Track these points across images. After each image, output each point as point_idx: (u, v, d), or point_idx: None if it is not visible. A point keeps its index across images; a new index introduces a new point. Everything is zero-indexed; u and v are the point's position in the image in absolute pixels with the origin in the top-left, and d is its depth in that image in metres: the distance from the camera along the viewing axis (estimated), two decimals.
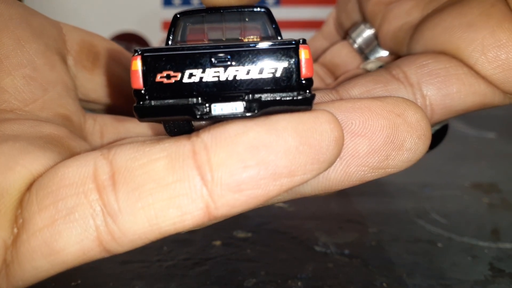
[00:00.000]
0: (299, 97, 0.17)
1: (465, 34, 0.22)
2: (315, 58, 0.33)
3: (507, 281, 0.32)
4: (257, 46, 0.17)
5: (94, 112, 0.28)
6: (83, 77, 0.26)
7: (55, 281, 0.32)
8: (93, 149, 0.20)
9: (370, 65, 0.28)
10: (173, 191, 0.16)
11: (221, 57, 0.17)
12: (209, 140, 0.16)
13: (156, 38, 0.78)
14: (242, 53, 0.17)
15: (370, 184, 0.49)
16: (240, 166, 0.16)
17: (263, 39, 0.20)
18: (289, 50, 0.17)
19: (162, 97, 0.17)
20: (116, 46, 0.28)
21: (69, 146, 0.20)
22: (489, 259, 0.34)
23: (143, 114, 0.17)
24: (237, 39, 0.20)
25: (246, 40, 0.20)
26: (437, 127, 0.26)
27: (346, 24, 0.33)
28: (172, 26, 0.21)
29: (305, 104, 0.17)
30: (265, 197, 0.16)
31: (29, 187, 0.17)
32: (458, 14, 0.23)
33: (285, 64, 0.17)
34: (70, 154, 0.19)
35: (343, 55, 0.31)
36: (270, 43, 0.17)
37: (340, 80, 0.28)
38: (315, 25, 0.79)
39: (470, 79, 0.22)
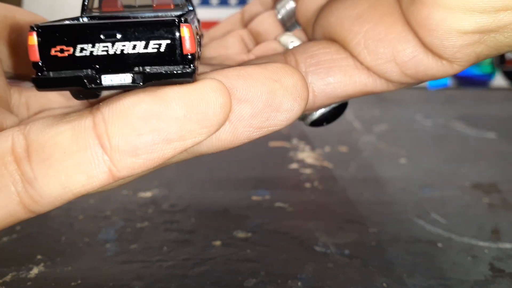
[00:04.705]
0: (182, 71, 0.18)
1: (352, 27, 0.24)
2: (247, 23, 0.34)
3: (507, 281, 0.32)
4: (141, 23, 0.18)
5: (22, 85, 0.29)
6: (8, 51, 0.27)
7: (55, 281, 0.32)
8: (21, 120, 0.23)
9: (283, 38, 0.29)
10: (78, 159, 0.18)
11: (109, 33, 0.18)
12: (107, 112, 0.18)
13: None
14: (128, 30, 0.18)
15: (370, 184, 0.50)
16: (135, 134, 0.18)
17: (173, 6, 0.22)
18: (171, 27, 0.18)
19: (57, 69, 0.19)
20: (41, 19, 0.29)
21: None
22: (489, 259, 0.34)
23: (41, 85, 0.19)
24: (149, 6, 0.22)
25: (155, 6, 0.22)
26: (335, 105, 0.28)
27: None
28: None
29: (188, 77, 0.18)
30: (161, 159, 0.18)
31: None
32: (351, 5, 0.24)
33: (168, 40, 0.18)
34: None
35: (267, 25, 0.32)
36: (153, 20, 0.18)
37: (255, 50, 0.29)
38: None
39: (352, 70, 0.24)
